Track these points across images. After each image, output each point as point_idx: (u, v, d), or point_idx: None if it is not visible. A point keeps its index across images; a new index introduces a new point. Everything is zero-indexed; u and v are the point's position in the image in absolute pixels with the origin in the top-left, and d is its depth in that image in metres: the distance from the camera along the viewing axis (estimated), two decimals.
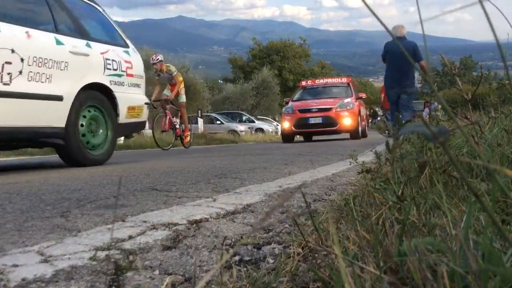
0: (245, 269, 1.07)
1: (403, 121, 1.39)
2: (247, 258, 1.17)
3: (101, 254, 1.16)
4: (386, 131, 1.51)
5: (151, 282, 1.01)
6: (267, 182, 2.75)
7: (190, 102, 26.19)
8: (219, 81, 49.32)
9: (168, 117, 10.06)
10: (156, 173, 3.54)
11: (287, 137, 13.24)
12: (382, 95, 13.47)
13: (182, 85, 10.33)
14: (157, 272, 1.07)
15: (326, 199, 2.10)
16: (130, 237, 1.35)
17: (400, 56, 7.26)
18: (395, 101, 7.77)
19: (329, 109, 12.74)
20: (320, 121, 12.61)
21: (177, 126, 10.47)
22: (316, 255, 0.94)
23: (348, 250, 0.88)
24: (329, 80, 15.78)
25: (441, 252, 0.70)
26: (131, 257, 1.16)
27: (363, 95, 14.70)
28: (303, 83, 16.02)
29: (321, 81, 15.91)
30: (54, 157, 6.40)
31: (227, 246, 1.31)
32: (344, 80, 15.42)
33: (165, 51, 29.57)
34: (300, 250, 1.07)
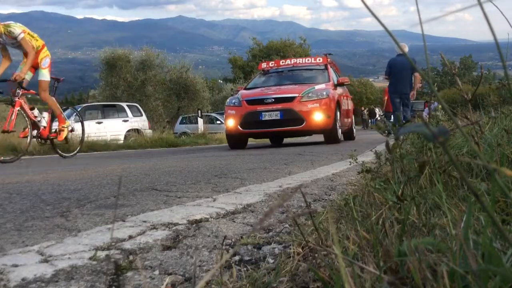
0: (245, 269, 1.07)
1: (404, 121, 1.39)
2: (247, 258, 1.17)
3: (101, 254, 1.16)
4: (386, 131, 1.51)
5: (151, 282, 1.01)
6: (267, 182, 2.75)
7: (190, 102, 26.27)
8: (219, 81, 49.31)
9: (16, 108, 6.45)
10: (156, 173, 3.54)
11: (233, 140, 9.04)
12: (386, 97, 13.37)
13: (44, 54, 6.74)
14: (157, 272, 1.07)
15: (326, 199, 2.10)
16: (130, 237, 1.35)
17: (401, 70, 9.60)
18: (398, 105, 9.93)
19: (290, 99, 8.51)
20: (278, 117, 8.43)
21: (42, 123, 6.98)
22: (316, 255, 0.94)
23: (348, 250, 0.88)
24: (299, 61, 11.24)
25: (441, 252, 0.70)
26: (131, 257, 1.16)
27: (346, 81, 10.28)
28: (263, 65, 11.31)
29: (288, 61, 11.40)
30: None
31: (227, 246, 1.31)
32: (320, 60, 10.81)
33: (165, 51, 29.51)
34: (300, 250, 1.07)
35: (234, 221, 1.63)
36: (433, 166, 1.37)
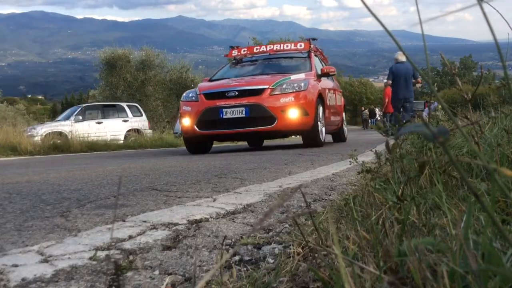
0: (245, 269, 1.07)
1: (404, 121, 1.39)
2: (247, 258, 1.17)
3: (101, 254, 1.16)
4: (386, 131, 1.51)
5: (151, 282, 1.01)
6: (267, 182, 2.75)
7: None
8: None
9: None
10: (156, 173, 3.54)
11: (191, 144, 7.37)
12: (386, 99, 13.38)
13: None
14: (157, 272, 1.07)
15: (326, 199, 2.10)
16: (130, 237, 1.35)
17: (402, 76, 9.92)
18: (399, 108, 10.28)
19: (259, 92, 6.85)
20: (243, 114, 6.79)
21: None
22: (316, 255, 0.94)
23: (348, 250, 0.88)
24: (278, 47, 9.14)
25: (441, 252, 0.70)
26: (131, 257, 1.16)
27: (332, 70, 8.28)
28: (234, 52, 9.20)
29: (264, 48, 9.32)
30: None
31: (227, 246, 1.31)
32: (301, 45, 8.90)
33: (165, 51, 29.51)
34: (300, 250, 1.07)
35: (234, 221, 1.63)
36: (433, 166, 1.37)
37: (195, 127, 6.94)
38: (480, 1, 0.47)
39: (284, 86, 6.93)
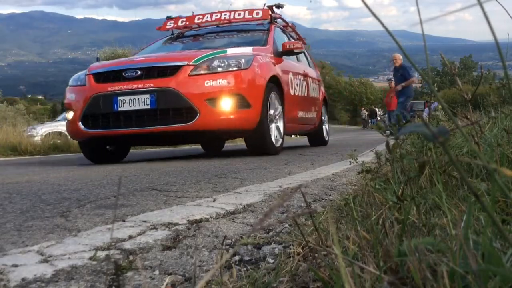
0: (245, 269, 1.07)
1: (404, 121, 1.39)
2: (247, 258, 1.17)
3: (101, 254, 1.16)
4: (386, 131, 1.51)
5: (151, 282, 1.01)
6: (267, 182, 2.75)
7: None
8: None
9: None
10: (156, 173, 3.54)
11: (86, 147, 5.25)
12: (392, 94, 13.47)
13: None
14: (157, 272, 1.07)
15: (326, 199, 2.10)
16: (130, 237, 1.35)
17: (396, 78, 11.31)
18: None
19: (171, 71, 4.70)
20: (148, 105, 4.61)
21: None
22: (316, 255, 0.94)
23: (348, 250, 0.88)
24: (227, 16, 6.84)
25: (441, 252, 0.70)
26: (131, 257, 1.16)
27: (298, 47, 5.94)
28: (169, 23, 6.96)
29: (208, 17, 6.91)
30: None
31: (227, 246, 1.31)
32: (259, 14, 6.61)
33: None
34: (300, 250, 1.07)
35: (234, 221, 1.63)
36: (433, 166, 1.37)
37: (80, 124, 4.82)
38: (480, 0, 0.47)
39: (214, 64, 4.69)
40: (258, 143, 5.13)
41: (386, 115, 18.82)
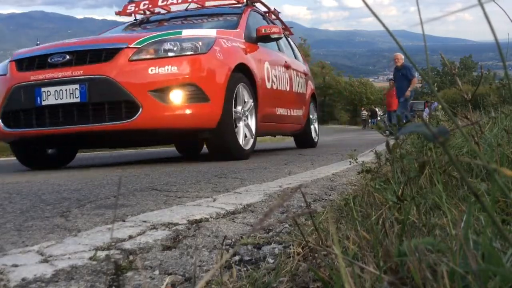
0: (245, 269, 1.07)
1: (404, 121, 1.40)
2: (247, 258, 1.17)
3: (101, 254, 1.16)
4: (386, 131, 1.51)
5: (151, 282, 1.01)
6: (267, 182, 2.75)
7: None
8: None
9: None
10: (156, 173, 3.54)
11: (18, 151, 4.49)
12: (394, 92, 13.47)
13: None
14: (157, 272, 1.07)
15: (326, 199, 2.10)
16: (130, 237, 1.35)
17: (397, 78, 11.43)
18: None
19: (108, 55, 3.75)
20: (78, 98, 3.67)
21: None
22: (316, 255, 0.94)
23: (348, 250, 0.88)
24: None
25: (441, 252, 0.70)
26: (131, 257, 1.16)
27: (276, 31, 5.07)
28: (129, 7, 6.17)
29: (174, 1, 6.01)
30: None
31: (227, 246, 1.31)
32: None
33: None
34: (300, 250, 1.07)
35: (234, 221, 1.63)
36: (433, 166, 1.37)
37: (0, 122, 4.06)
38: (481, 1, 0.47)
39: (164, 47, 3.83)
40: (220, 145, 4.22)
41: (386, 115, 18.84)
